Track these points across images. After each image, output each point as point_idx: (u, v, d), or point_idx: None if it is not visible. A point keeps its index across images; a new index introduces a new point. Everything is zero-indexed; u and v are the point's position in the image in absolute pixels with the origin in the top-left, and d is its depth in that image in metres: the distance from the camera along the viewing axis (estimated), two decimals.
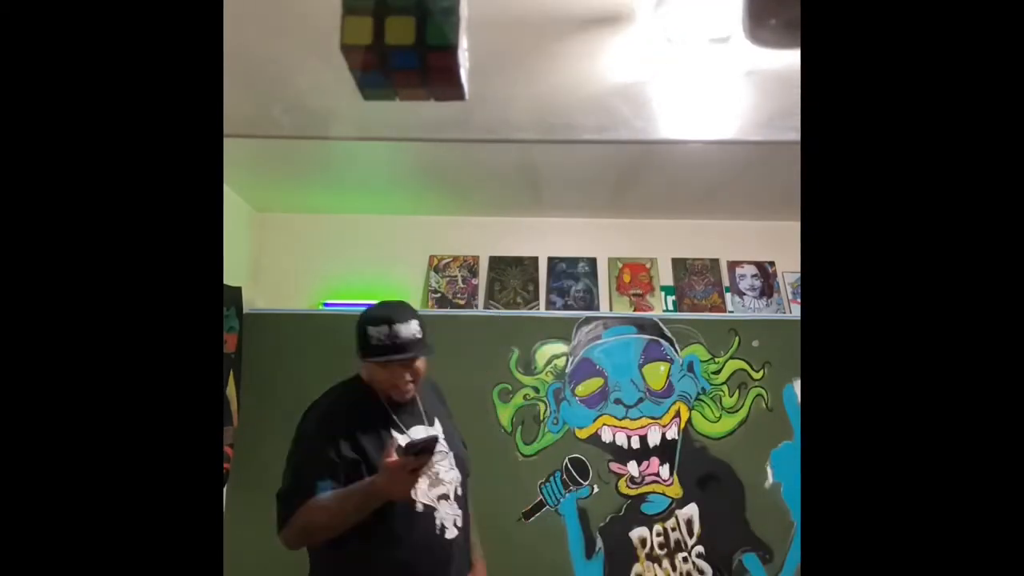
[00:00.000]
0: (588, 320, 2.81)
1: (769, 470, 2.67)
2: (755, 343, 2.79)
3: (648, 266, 3.05)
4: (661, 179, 2.61)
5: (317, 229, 3.06)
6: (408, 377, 1.53)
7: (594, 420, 2.70)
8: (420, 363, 1.56)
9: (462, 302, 2.95)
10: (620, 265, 3.05)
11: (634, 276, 3.04)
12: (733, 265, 3.06)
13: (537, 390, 2.72)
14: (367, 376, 1.58)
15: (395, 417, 1.55)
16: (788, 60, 1.50)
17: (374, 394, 1.56)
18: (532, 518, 2.62)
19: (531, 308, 2.95)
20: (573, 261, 3.05)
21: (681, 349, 2.79)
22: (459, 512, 1.55)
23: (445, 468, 1.56)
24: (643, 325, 2.80)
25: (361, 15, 0.68)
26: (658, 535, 2.62)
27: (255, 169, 2.56)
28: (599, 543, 2.60)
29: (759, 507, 2.64)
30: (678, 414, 2.72)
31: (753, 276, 3.04)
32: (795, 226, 2.35)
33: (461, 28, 0.69)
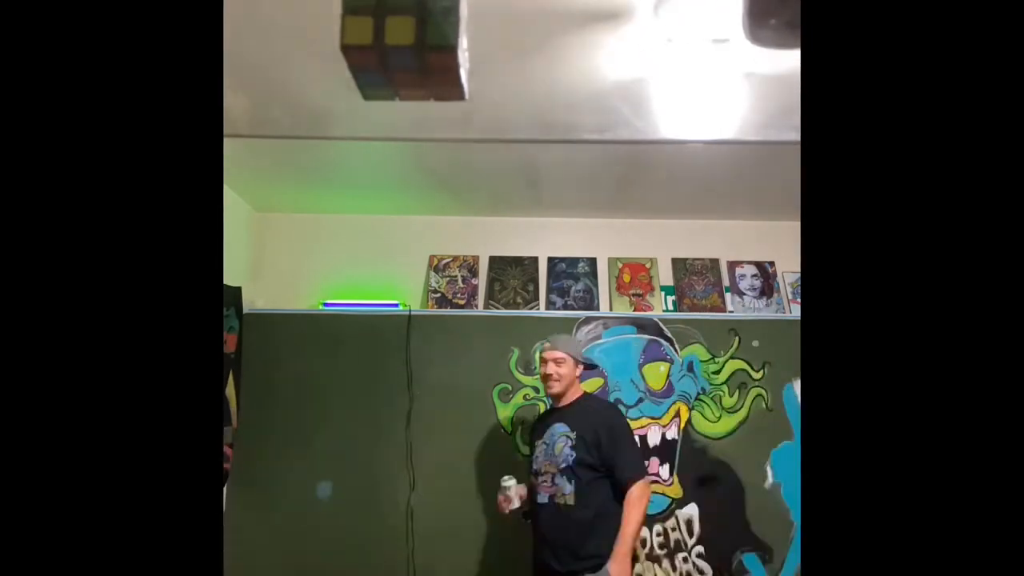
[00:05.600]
0: (588, 320, 2.81)
1: (769, 470, 2.67)
2: (755, 343, 2.79)
3: (648, 266, 3.05)
4: (661, 179, 2.61)
5: (317, 229, 3.06)
6: None
7: None
8: None
9: (462, 302, 2.95)
10: (620, 265, 3.05)
11: (634, 276, 3.04)
12: (733, 265, 3.06)
13: (537, 390, 2.72)
14: None
15: None
16: (788, 60, 1.50)
17: None
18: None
19: (531, 308, 2.94)
20: (573, 261, 3.05)
21: (681, 349, 2.78)
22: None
23: None
24: (643, 325, 2.80)
25: (361, 15, 0.68)
26: (658, 535, 2.62)
27: (255, 169, 2.56)
28: None
29: (759, 507, 2.64)
30: (678, 414, 2.72)
31: (753, 276, 3.04)
32: (795, 226, 2.35)
33: (461, 28, 0.69)
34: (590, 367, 2.32)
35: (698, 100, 1.77)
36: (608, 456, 2.01)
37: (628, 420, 2.19)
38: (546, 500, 2.05)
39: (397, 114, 1.91)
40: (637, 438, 2.69)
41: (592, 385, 2.74)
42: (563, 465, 2.03)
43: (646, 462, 2.67)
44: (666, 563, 2.59)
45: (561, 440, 2.07)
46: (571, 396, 2.16)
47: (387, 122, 2.01)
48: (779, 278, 3.04)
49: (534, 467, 2.15)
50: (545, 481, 2.07)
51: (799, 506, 2.01)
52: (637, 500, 1.96)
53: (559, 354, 2.15)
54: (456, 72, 0.70)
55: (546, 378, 2.16)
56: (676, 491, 2.66)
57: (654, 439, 2.70)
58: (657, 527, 2.62)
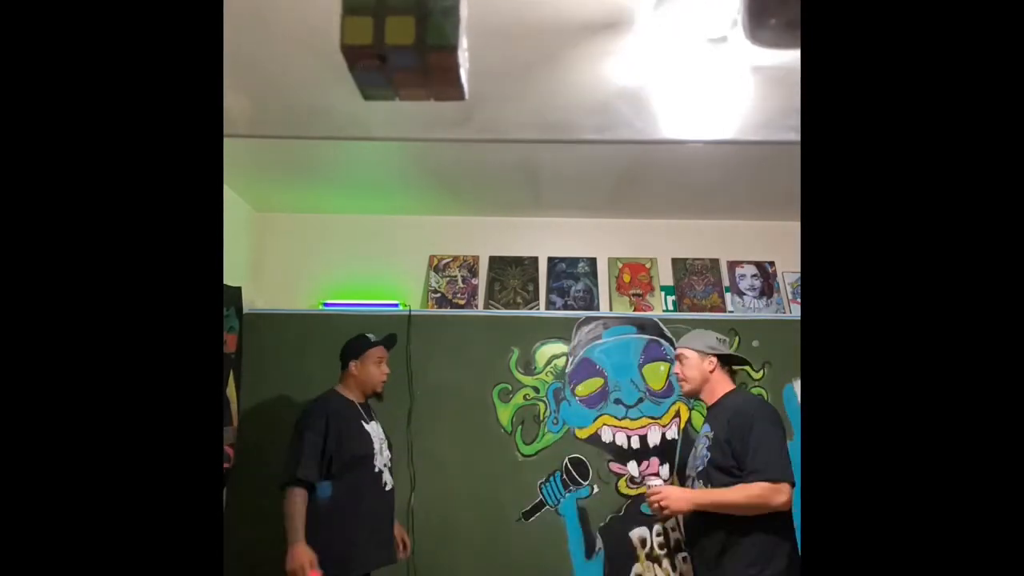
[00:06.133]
0: (588, 320, 2.81)
1: None
2: (755, 343, 2.79)
3: (648, 266, 3.05)
4: (661, 179, 2.61)
5: (317, 229, 3.06)
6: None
7: (594, 420, 2.70)
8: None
9: (462, 302, 2.95)
10: (620, 265, 3.05)
11: (634, 276, 3.04)
12: (733, 265, 3.06)
13: (537, 390, 2.72)
14: None
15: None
16: (788, 60, 1.50)
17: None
18: (532, 518, 2.62)
19: (531, 308, 2.94)
20: (573, 261, 3.05)
21: None
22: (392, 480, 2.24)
23: (387, 446, 2.26)
24: (643, 325, 2.80)
25: (361, 15, 0.68)
26: (658, 535, 2.61)
27: (255, 169, 2.56)
28: (599, 543, 2.60)
29: None
30: (678, 414, 2.72)
31: (753, 276, 3.04)
32: (795, 226, 2.34)
33: (461, 28, 0.69)
34: (730, 358, 2.02)
35: (698, 100, 1.77)
36: (742, 456, 1.76)
37: (777, 420, 1.86)
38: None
39: (397, 114, 1.91)
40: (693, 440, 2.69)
41: (592, 385, 2.74)
42: (699, 468, 1.88)
43: (646, 462, 2.67)
44: (666, 563, 2.59)
45: (702, 441, 1.93)
46: (715, 393, 1.97)
47: (387, 122, 2.02)
48: (779, 278, 3.04)
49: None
50: (688, 487, 1.95)
51: (799, 506, 2.01)
52: (755, 488, 1.70)
53: (681, 350, 2.01)
54: (456, 72, 0.70)
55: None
56: None
57: (654, 439, 2.70)
58: (657, 527, 2.62)
